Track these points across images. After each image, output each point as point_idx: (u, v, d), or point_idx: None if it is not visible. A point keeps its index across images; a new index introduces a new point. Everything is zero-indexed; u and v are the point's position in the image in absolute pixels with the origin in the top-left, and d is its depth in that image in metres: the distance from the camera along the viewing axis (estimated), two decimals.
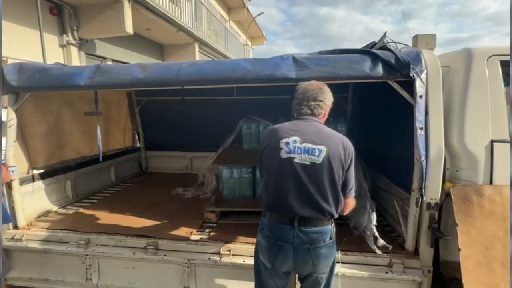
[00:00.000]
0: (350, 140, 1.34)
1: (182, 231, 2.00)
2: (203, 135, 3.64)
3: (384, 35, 1.79)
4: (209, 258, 1.77)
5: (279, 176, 1.26)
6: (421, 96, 1.52)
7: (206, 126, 3.66)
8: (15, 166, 2.07)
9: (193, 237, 1.94)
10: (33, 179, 2.33)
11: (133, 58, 7.65)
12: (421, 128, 1.53)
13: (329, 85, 1.69)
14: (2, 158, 2.01)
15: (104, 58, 6.92)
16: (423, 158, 1.51)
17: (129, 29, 5.74)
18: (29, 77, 1.95)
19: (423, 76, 1.53)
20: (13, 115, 2.06)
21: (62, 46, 5.79)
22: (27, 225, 2.16)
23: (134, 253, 1.86)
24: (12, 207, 2.05)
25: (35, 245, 2.00)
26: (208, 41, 9.86)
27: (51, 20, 5.53)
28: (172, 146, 3.89)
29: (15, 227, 2.09)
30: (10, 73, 1.97)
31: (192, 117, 3.76)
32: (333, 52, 1.85)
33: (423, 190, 1.53)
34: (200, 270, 1.81)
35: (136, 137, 3.92)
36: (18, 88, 1.98)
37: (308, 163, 1.21)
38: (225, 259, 1.74)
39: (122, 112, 3.58)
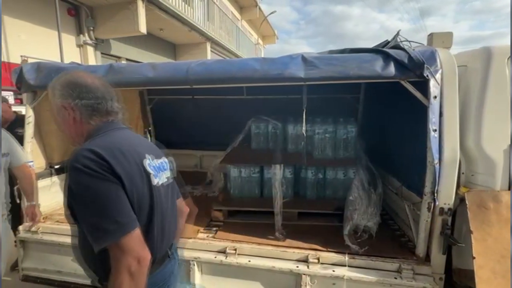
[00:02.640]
0: (362, 141, 1.32)
1: (189, 229, 2.01)
2: (212, 134, 3.66)
3: (398, 34, 1.74)
4: (215, 257, 1.78)
5: (159, 211, 0.99)
6: (435, 97, 1.47)
7: (216, 125, 3.68)
8: (32, 161, 2.16)
9: (200, 235, 1.96)
10: (50, 174, 2.42)
11: (147, 57, 7.81)
12: (435, 130, 1.47)
13: (341, 85, 1.67)
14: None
15: (119, 57, 7.10)
16: (436, 161, 1.45)
17: (143, 29, 5.86)
18: (46, 76, 2.02)
19: (438, 76, 1.47)
20: (31, 113, 2.15)
21: (79, 46, 5.99)
22: (43, 218, 2.25)
23: None
24: None
25: (49, 237, 2.08)
26: (220, 40, 9.92)
27: (69, 20, 5.73)
28: (182, 144, 3.93)
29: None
30: (28, 72, 2.06)
31: (202, 116, 3.79)
32: (343, 51, 1.81)
33: (435, 194, 1.47)
34: (206, 268, 1.82)
35: (148, 135, 4.00)
36: (36, 86, 2.07)
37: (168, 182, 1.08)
38: (231, 258, 1.74)
39: (134, 111, 3.65)
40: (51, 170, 2.42)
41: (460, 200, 1.54)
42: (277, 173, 2.07)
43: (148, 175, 0.95)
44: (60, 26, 5.03)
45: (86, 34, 6.04)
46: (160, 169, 1.04)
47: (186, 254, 1.82)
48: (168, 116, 3.90)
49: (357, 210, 1.78)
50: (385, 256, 1.63)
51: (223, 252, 1.79)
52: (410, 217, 1.85)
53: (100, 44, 6.38)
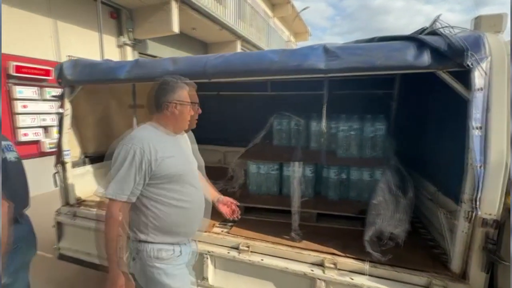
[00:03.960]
0: (392, 141, 1.19)
1: (205, 222, 2.02)
2: (236, 130, 3.66)
3: (437, 18, 1.53)
4: (228, 252, 1.76)
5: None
6: (480, 89, 1.26)
7: (240, 121, 3.68)
8: (68, 150, 2.35)
9: (215, 229, 1.95)
10: (84, 163, 2.62)
11: (180, 56, 8.13)
12: (478, 128, 1.27)
13: (373, 80, 1.53)
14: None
15: (155, 57, 7.50)
16: (478, 163, 1.25)
17: (176, 28, 6.10)
18: (81, 71, 2.18)
19: (484, 65, 1.26)
20: (68, 106, 2.33)
21: (119, 46, 6.44)
22: (77, 203, 2.44)
23: None
24: (65, 186, 2.35)
25: (81, 221, 2.25)
26: (250, 38, 9.95)
27: (110, 23, 6.18)
28: (207, 140, 3.99)
29: (67, 204, 2.38)
30: (67, 68, 2.24)
31: (226, 112, 3.82)
32: (372, 40, 1.65)
33: (476, 202, 1.27)
34: (219, 263, 1.81)
35: None
36: (73, 81, 2.24)
37: None
38: (244, 255, 1.70)
39: None
40: (85, 159, 2.62)
41: (508, 211, 1.31)
42: (296, 171, 1.97)
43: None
44: (102, 28, 5.46)
45: (126, 35, 6.48)
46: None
47: (201, 247, 1.84)
48: None
49: (381, 215, 1.62)
50: (413, 268, 1.46)
51: (236, 248, 1.76)
52: (446, 227, 1.64)
53: (138, 44, 6.79)
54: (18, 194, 1.52)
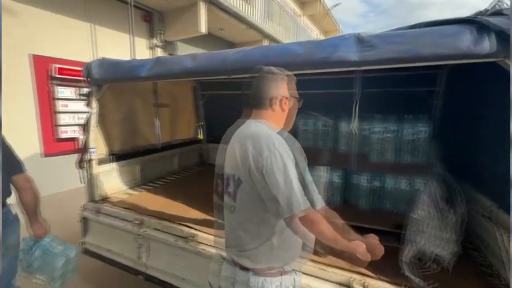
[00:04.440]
0: (437, 145, 0.97)
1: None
2: None
3: None
4: None
5: None
6: None
7: None
8: (94, 147, 2.41)
9: None
10: (110, 160, 2.68)
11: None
12: None
13: (412, 74, 1.30)
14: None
15: None
16: None
17: (203, 29, 6.16)
18: (106, 70, 2.22)
19: None
20: (95, 105, 2.39)
21: (150, 48, 6.67)
22: (102, 199, 2.49)
23: (176, 241, 1.90)
24: (91, 183, 2.41)
25: (104, 218, 2.28)
26: (278, 37, 9.78)
27: (143, 25, 6.44)
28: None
29: (92, 200, 2.44)
30: (94, 67, 2.29)
31: None
32: (416, 26, 1.41)
33: None
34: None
35: (199, 129, 4.14)
36: (99, 80, 2.28)
37: None
38: None
39: (188, 106, 3.82)
40: (110, 157, 2.68)
41: None
42: (322, 176, 1.79)
43: None
44: (135, 31, 5.69)
45: (157, 37, 6.71)
46: None
47: (217, 255, 1.74)
48: (219, 112, 3.95)
49: (424, 233, 1.37)
50: None
51: None
52: (504, 250, 1.34)
53: (168, 46, 7.00)
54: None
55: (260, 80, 1.14)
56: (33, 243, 1.76)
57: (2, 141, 1.55)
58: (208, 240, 1.81)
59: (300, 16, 14.03)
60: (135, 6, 5.69)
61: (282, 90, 1.11)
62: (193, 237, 1.85)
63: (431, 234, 1.37)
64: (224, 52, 1.68)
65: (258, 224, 1.03)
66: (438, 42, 1.14)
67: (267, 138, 0.98)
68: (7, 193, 1.63)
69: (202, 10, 6.07)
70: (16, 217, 1.69)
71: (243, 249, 1.06)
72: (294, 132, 2.69)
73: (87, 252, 2.42)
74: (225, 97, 3.78)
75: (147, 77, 2.00)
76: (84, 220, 2.40)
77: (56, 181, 4.70)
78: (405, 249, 1.38)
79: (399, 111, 2.13)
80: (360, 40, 1.32)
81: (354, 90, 1.80)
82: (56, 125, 4.85)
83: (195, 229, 1.90)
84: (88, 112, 2.44)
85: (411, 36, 1.21)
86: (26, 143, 4.46)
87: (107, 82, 2.28)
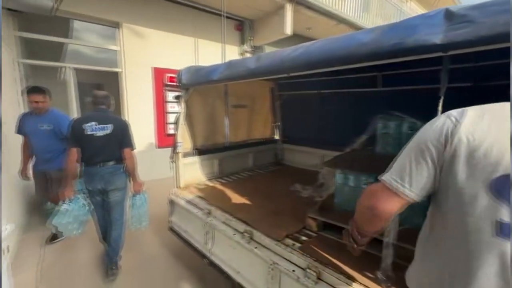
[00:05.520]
0: None
1: (281, 229, 1.88)
2: (338, 132, 3.26)
3: None
4: (293, 270, 1.54)
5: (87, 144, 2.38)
6: None
7: (342, 122, 3.26)
8: (181, 142, 2.83)
9: (286, 240, 1.77)
10: (193, 154, 3.09)
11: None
12: None
13: None
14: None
15: None
16: None
17: (288, 30, 6.20)
18: (191, 75, 2.56)
19: None
20: (184, 105, 2.81)
21: (240, 54, 7.27)
22: (185, 187, 2.91)
23: (234, 234, 1.99)
24: (177, 172, 2.85)
25: (184, 204, 2.65)
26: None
27: (236, 34, 7.09)
28: (305, 141, 3.82)
29: (178, 187, 2.88)
30: (184, 74, 2.68)
31: (328, 112, 3.48)
32: None
33: None
34: (284, 279, 1.62)
35: (276, 129, 4.20)
36: (186, 84, 2.66)
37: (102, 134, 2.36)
38: (309, 281, 1.43)
39: (265, 106, 3.94)
40: (194, 151, 3.08)
41: None
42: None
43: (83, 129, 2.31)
44: (228, 40, 6.33)
45: (247, 43, 7.24)
46: (98, 129, 2.38)
47: (267, 254, 1.72)
48: (295, 112, 3.91)
49: None
50: None
51: (302, 269, 1.51)
52: None
53: (256, 50, 7.44)
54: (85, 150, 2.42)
55: None
56: (133, 195, 2.66)
57: (115, 126, 2.46)
58: (262, 240, 1.81)
59: (406, 1, 12.03)
60: (229, 18, 6.33)
61: None
62: (248, 234, 1.89)
63: None
64: (283, 50, 1.63)
65: None
66: None
67: None
68: (121, 157, 2.52)
69: (288, 12, 6.12)
70: (125, 171, 2.58)
71: None
72: (371, 136, 2.36)
73: (171, 230, 2.87)
74: (301, 96, 3.69)
75: (219, 79, 2.18)
76: (171, 203, 2.86)
77: (165, 169, 5.83)
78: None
79: None
80: (450, 16, 1.00)
81: (455, 85, 1.39)
82: (166, 123, 6.01)
83: (252, 226, 1.93)
84: (178, 112, 2.88)
85: None
86: (146, 136, 5.74)
87: (192, 85, 2.64)
